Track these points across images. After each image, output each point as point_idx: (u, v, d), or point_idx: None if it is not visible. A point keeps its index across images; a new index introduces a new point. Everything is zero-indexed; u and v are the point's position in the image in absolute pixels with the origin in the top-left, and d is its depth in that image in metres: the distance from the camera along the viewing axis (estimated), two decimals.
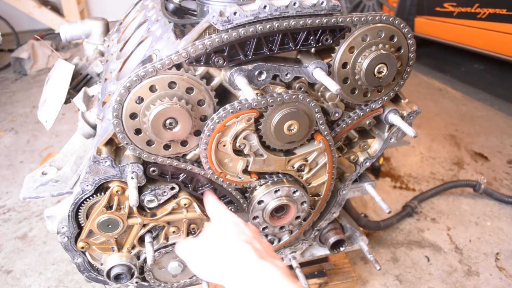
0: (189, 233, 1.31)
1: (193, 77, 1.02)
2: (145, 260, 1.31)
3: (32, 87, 4.16)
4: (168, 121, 1.01)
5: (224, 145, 1.11)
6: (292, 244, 1.53)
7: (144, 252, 1.29)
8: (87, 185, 1.11)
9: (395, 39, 1.13)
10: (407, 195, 2.40)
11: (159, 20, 1.33)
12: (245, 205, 1.28)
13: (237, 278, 0.76)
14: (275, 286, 0.72)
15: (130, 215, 1.20)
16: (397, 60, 1.13)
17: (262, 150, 1.16)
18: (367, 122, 1.29)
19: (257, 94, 1.08)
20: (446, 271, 1.92)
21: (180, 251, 0.87)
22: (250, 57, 1.03)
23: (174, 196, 1.22)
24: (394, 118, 1.24)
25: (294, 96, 1.08)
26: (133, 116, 1.01)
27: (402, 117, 1.25)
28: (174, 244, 1.32)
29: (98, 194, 1.14)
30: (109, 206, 1.16)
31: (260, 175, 1.23)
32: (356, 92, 1.18)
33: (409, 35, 1.14)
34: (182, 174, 1.17)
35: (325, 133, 1.19)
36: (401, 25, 1.11)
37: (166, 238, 1.31)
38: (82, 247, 1.22)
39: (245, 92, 0.98)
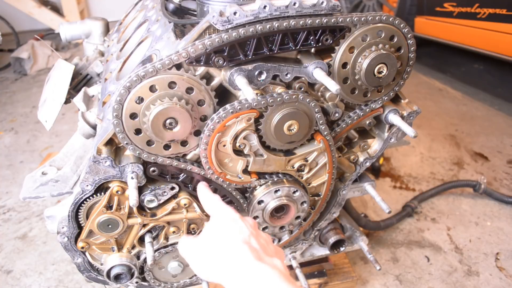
0: (189, 233, 1.31)
1: (193, 77, 1.02)
2: (145, 260, 1.31)
3: (32, 87, 4.16)
4: (168, 121, 1.01)
5: (224, 145, 1.11)
6: (292, 244, 1.53)
7: (144, 252, 1.29)
8: (87, 185, 1.11)
9: (395, 39, 1.13)
10: (407, 195, 2.40)
11: (159, 20, 1.33)
12: (245, 205, 1.28)
13: (235, 280, 0.76)
14: None
15: (130, 215, 1.20)
16: (397, 60, 1.13)
17: (262, 150, 1.16)
18: (367, 122, 1.29)
19: (257, 94, 1.08)
20: (446, 271, 1.92)
21: (181, 249, 0.87)
22: (250, 57, 1.03)
23: (174, 196, 1.22)
24: (394, 118, 1.24)
25: (294, 96, 1.08)
26: (133, 116, 1.01)
27: (402, 117, 1.25)
28: (174, 244, 1.32)
29: (98, 194, 1.14)
30: (109, 206, 1.16)
31: (260, 175, 1.23)
32: (356, 92, 1.18)
33: (409, 35, 1.14)
34: (182, 174, 1.17)
35: (325, 133, 1.19)
36: (401, 25, 1.11)
37: (166, 238, 1.31)
38: (82, 247, 1.22)
39: (245, 92, 0.98)
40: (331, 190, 1.35)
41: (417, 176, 2.58)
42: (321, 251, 1.62)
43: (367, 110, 1.24)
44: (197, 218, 1.28)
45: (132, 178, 1.09)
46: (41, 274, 1.92)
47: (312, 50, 1.14)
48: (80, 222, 1.18)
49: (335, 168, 1.28)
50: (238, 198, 1.26)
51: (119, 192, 1.14)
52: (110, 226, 1.18)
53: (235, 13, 0.97)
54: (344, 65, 1.12)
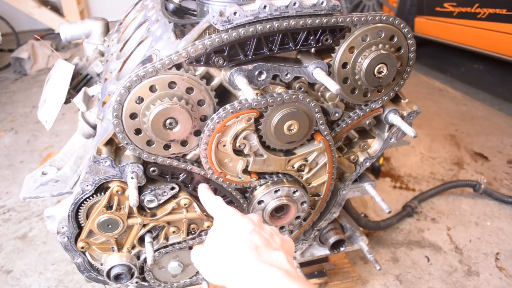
0: (189, 233, 1.31)
1: (193, 77, 1.02)
2: (145, 260, 1.31)
3: (32, 87, 4.16)
4: (168, 121, 1.01)
5: (224, 145, 1.11)
6: None
7: (144, 252, 1.29)
8: (87, 185, 1.11)
9: (395, 39, 1.13)
10: (407, 195, 2.40)
11: (159, 20, 1.33)
12: (245, 205, 1.28)
13: (236, 282, 0.75)
14: None
15: (130, 215, 1.20)
16: (397, 60, 1.13)
17: (262, 150, 1.16)
18: (367, 122, 1.29)
19: (257, 94, 1.08)
20: (446, 271, 1.92)
21: (192, 259, 0.86)
22: (250, 57, 1.03)
23: (174, 196, 1.22)
24: (394, 118, 1.24)
25: (294, 96, 1.08)
26: (133, 116, 1.01)
27: (402, 117, 1.25)
28: (174, 244, 1.32)
29: (98, 194, 1.14)
30: (109, 206, 1.16)
31: (260, 175, 1.23)
32: (356, 92, 1.18)
33: (409, 35, 1.14)
34: (182, 174, 1.17)
35: (325, 133, 1.19)
36: (401, 25, 1.11)
37: (166, 238, 1.31)
38: (82, 247, 1.22)
39: (245, 92, 0.98)
40: (331, 190, 1.35)
41: (417, 176, 2.58)
42: (321, 251, 1.62)
43: (367, 110, 1.24)
44: (197, 218, 1.28)
45: (132, 178, 1.09)
46: (41, 274, 1.92)
47: (312, 50, 1.14)
48: (80, 222, 1.18)
49: (335, 168, 1.28)
50: (238, 198, 1.26)
51: (119, 192, 1.14)
52: (110, 226, 1.18)
53: (235, 13, 0.97)
54: (344, 65, 1.12)
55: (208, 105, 1.06)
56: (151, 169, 1.12)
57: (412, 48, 1.16)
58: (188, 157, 1.16)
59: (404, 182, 2.53)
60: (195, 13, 1.33)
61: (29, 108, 3.68)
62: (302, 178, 1.27)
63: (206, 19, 1.01)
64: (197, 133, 1.10)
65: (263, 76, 1.07)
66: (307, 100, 1.10)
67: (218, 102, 1.08)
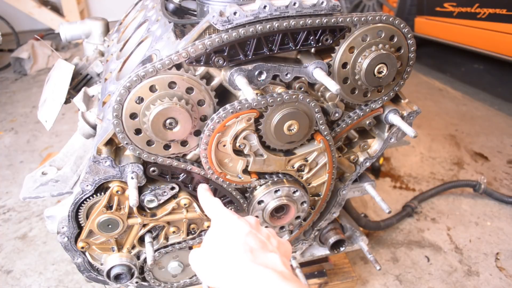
0: (189, 233, 1.31)
1: (193, 77, 1.02)
2: (145, 260, 1.31)
3: (32, 87, 4.16)
4: (168, 121, 1.01)
5: (224, 145, 1.11)
6: (292, 244, 1.53)
7: (144, 252, 1.29)
8: (87, 185, 1.11)
9: (395, 39, 1.13)
10: (407, 195, 2.40)
11: (159, 20, 1.33)
12: (245, 205, 1.28)
13: (234, 284, 0.75)
14: None
15: (130, 215, 1.20)
16: (397, 60, 1.13)
17: (262, 150, 1.16)
18: (367, 122, 1.29)
19: (257, 94, 1.08)
20: (446, 271, 1.92)
21: (191, 262, 0.86)
22: (250, 57, 1.03)
23: (174, 196, 1.22)
24: (394, 118, 1.24)
25: (294, 96, 1.08)
26: (133, 116, 1.01)
27: (402, 117, 1.25)
28: (174, 244, 1.32)
29: (98, 194, 1.14)
30: (109, 206, 1.16)
31: (260, 175, 1.23)
32: (356, 92, 1.18)
33: (409, 35, 1.14)
34: (182, 174, 1.17)
35: (325, 133, 1.19)
36: (401, 25, 1.11)
37: (166, 238, 1.31)
38: (82, 247, 1.22)
39: (245, 92, 0.98)
40: (331, 190, 1.35)
41: (417, 176, 2.58)
42: (321, 251, 1.62)
43: (367, 110, 1.24)
44: (197, 218, 1.28)
45: (132, 178, 1.09)
46: (41, 274, 1.92)
47: (312, 50, 1.14)
48: (80, 222, 1.18)
49: (335, 168, 1.28)
50: (238, 198, 1.26)
51: (119, 192, 1.14)
52: (110, 226, 1.18)
53: (235, 13, 0.97)
54: (344, 65, 1.12)
55: (208, 105, 1.06)
56: (151, 169, 1.12)
57: (412, 48, 1.16)
58: (188, 157, 1.16)
59: (404, 182, 2.53)
60: (195, 13, 1.33)
61: (29, 108, 3.68)
62: (302, 178, 1.27)
63: (206, 19, 1.01)
64: (197, 133, 1.10)
65: (263, 76, 1.07)
66: (307, 100, 1.10)
67: (218, 102, 1.08)
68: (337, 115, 1.21)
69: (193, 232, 1.32)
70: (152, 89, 0.99)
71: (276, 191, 1.24)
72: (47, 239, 2.11)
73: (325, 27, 1.05)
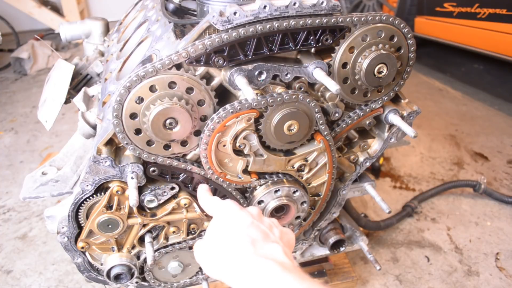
0: (189, 233, 1.31)
1: (193, 77, 1.02)
2: (145, 260, 1.31)
3: (32, 87, 4.16)
4: (168, 121, 1.01)
5: (224, 145, 1.11)
6: None
7: (144, 252, 1.29)
8: (87, 185, 1.11)
9: (395, 39, 1.13)
10: (407, 195, 2.40)
11: (159, 20, 1.33)
12: (245, 205, 1.28)
13: (234, 276, 0.75)
14: (271, 284, 0.70)
15: (130, 215, 1.20)
16: (397, 60, 1.13)
17: (262, 150, 1.16)
18: (367, 122, 1.29)
19: (257, 94, 1.08)
20: (446, 271, 1.92)
21: (195, 255, 0.86)
22: (250, 57, 1.03)
23: (174, 196, 1.22)
24: (394, 118, 1.24)
25: (294, 96, 1.08)
26: (133, 116, 1.01)
27: (402, 117, 1.25)
28: (174, 244, 1.32)
29: (98, 194, 1.14)
30: (109, 206, 1.16)
31: (260, 175, 1.23)
32: (356, 92, 1.18)
33: (409, 35, 1.14)
34: (182, 174, 1.17)
35: (325, 133, 1.19)
36: (401, 25, 1.11)
37: (166, 238, 1.31)
38: (82, 247, 1.22)
39: (245, 92, 0.98)
40: (331, 190, 1.35)
41: (417, 176, 2.58)
42: (321, 251, 1.62)
43: (367, 110, 1.24)
44: (197, 218, 1.28)
45: (132, 178, 1.09)
46: (41, 274, 1.92)
47: (312, 50, 1.14)
48: (80, 222, 1.18)
49: (335, 168, 1.28)
50: (238, 198, 1.26)
51: (119, 192, 1.14)
52: (110, 226, 1.18)
53: (235, 13, 0.97)
54: (344, 65, 1.12)
55: (208, 105, 1.06)
56: (151, 169, 1.12)
57: (412, 48, 1.16)
58: (188, 157, 1.16)
59: (404, 182, 2.53)
60: (195, 13, 1.33)
61: (29, 108, 3.68)
62: (302, 178, 1.27)
63: (206, 19, 1.01)
64: (197, 133, 1.10)
65: (263, 76, 1.07)
66: (307, 100, 1.10)
67: (218, 102, 1.08)
68: (337, 115, 1.21)
69: (193, 232, 1.32)
70: (152, 89, 0.99)
71: (276, 191, 1.24)
72: (47, 239, 2.11)
73: (325, 27, 1.05)
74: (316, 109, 1.13)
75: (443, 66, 4.38)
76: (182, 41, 1.04)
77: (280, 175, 1.25)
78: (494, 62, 4.13)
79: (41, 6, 5.19)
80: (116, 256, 1.27)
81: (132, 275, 1.29)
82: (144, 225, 1.24)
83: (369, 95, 1.20)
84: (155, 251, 1.30)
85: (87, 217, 1.17)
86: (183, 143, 1.10)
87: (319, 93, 1.20)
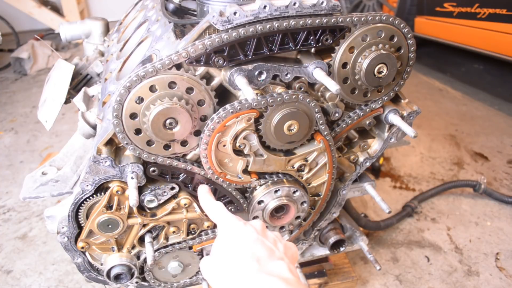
0: (189, 233, 1.31)
1: (193, 77, 1.02)
2: (145, 260, 1.31)
3: (32, 87, 4.16)
4: (168, 121, 1.01)
5: (224, 145, 1.11)
6: None
7: (144, 252, 1.29)
8: (87, 185, 1.11)
9: (395, 39, 1.13)
10: (407, 195, 2.40)
11: (159, 20, 1.33)
12: (245, 205, 1.28)
13: None
14: None
15: (130, 215, 1.20)
16: (397, 60, 1.13)
17: (262, 150, 1.16)
18: (367, 122, 1.29)
19: (257, 94, 1.08)
20: (446, 271, 1.92)
21: (202, 271, 0.86)
22: (250, 57, 1.03)
23: (174, 196, 1.22)
24: (394, 118, 1.24)
25: (294, 96, 1.08)
26: (133, 116, 1.01)
27: (402, 117, 1.25)
28: (174, 244, 1.32)
29: (98, 194, 1.14)
30: (109, 206, 1.16)
31: (260, 175, 1.23)
32: (356, 92, 1.18)
33: (409, 35, 1.14)
34: (182, 174, 1.17)
35: (325, 133, 1.19)
36: (401, 25, 1.11)
37: (166, 238, 1.31)
38: (82, 247, 1.22)
39: (245, 92, 0.98)
40: (331, 190, 1.35)
41: (417, 176, 2.58)
42: (321, 251, 1.62)
43: (367, 110, 1.24)
44: (197, 218, 1.28)
45: (132, 178, 1.09)
46: (41, 274, 1.92)
47: (312, 50, 1.14)
48: (80, 222, 1.18)
49: (335, 168, 1.28)
50: (238, 198, 1.26)
51: (119, 192, 1.14)
52: (110, 226, 1.18)
53: (235, 13, 0.97)
54: (344, 65, 1.12)
55: (208, 105, 1.06)
56: (151, 169, 1.12)
57: (412, 48, 1.16)
58: (188, 157, 1.16)
59: (404, 182, 2.53)
60: (195, 13, 1.33)
61: (29, 108, 3.68)
62: (302, 178, 1.27)
63: (206, 19, 1.01)
64: (197, 133, 1.10)
65: (263, 76, 1.07)
66: (307, 100, 1.10)
67: (218, 102, 1.08)
68: (337, 115, 1.21)
69: (193, 232, 1.32)
70: (152, 89, 0.99)
71: (276, 191, 1.24)
72: (47, 239, 2.11)
73: (325, 27, 1.05)
74: (316, 109, 1.13)
75: (443, 66, 4.39)
76: (182, 41, 1.04)
77: (280, 175, 1.25)
78: (494, 62, 4.13)
79: (41, 6, 5.19)
80: (116, 256, 1.27)
81: (132, 275, 1.29)
82: (144, 225, 1.24)
83: (369, 95, 1.20)
84: (155, 251, 1.30)
85: (87, 217, 1.17)
86: (183, 143, 1.10)
87: (319, 93, 1.20)
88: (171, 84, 1.00)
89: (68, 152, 1.45)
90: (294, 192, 1.26)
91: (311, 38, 1.06)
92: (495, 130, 3.09)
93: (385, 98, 1.23)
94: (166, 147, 1.09)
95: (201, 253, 1.40)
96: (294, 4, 1.00)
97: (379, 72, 1.12)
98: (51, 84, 1.57)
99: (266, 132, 1.13)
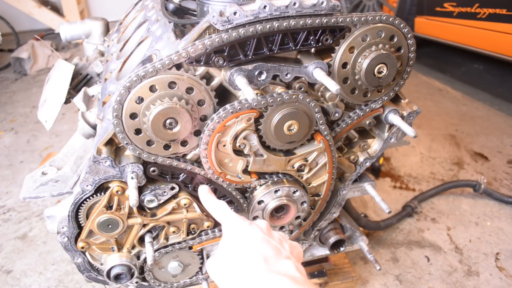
0: (189, 233, 1.31)
1: (193, 77, 1.02)
2: (145, 260, 1.31)
3: (32, 87, 4.16)
4: (168, 121, 1.01)
5: (224, 145, 1.11)
6: None
7: (144, 252, 1.29)
8: (87, 185, 1.11)
9: (395, 39, 1.13)
10: (407, 195, 2.40)
11: (159, 20, 1.33)
12: (245, 205, 1.28)
13: None
14: None
15: (130, 215, 1.20)
16: (397, 60, 1.13)
17: (262, 150, 1.16)
18: (367, 122, 1.29)
19: (257, 94, 1.08)
20: (446, 271, 1.92)
21: (209, 272, 0.86)
22: (250, 57, 1.03)
23: (174, 196, 1.22)
24: (394, 118, 1.24)
25: (294, 96, 1.08)
26: (133, 116, 1.01)
27: (402, 117, 1.25)
28: (174, 244, 1.32)
29: (98, 194, 1.14)
30: (109, 206, 1.16)
31: (260, 175, 1.23)
32: (356, 92, 1.18)
33: (409, 35, 1.14)
34: (182, 174, 1.17)
35: (325, 133, 1.19)
36: (401, 25, 1.11)
37: (166, 238, 1.31)
38: (82, 247, 1.22)
39: (245, 92, 0.98)
40: (331, 190, 1.35)
41: (417, 176, 2.58)
42: (321, 251, 1.62)
43: (367, 110, 1.24)
44: (197, 218, 1.28)
45: (132, 178, 1.09)
46: (41, 274, 1.92)
47: (312, 50, 1.14)
48: (80, 222, 1.18)
49: (335, 168, 1.28)
50: (238, 198, 1.26)
51: (119, 192, 1.14)
52: (110, 226, 1.18)
53: (235, 13, 0.97)
54: (344, 65, 1.12)
55: (208, 105, 1.06)
56: (151, 169, 1.12)
57: (412, 48, 1.16)
58: (188, 157, 1.16)
59: (404, 182, 2.53)
60: (195, 13, 1.33)
61: (29, 108, 3.68)
62: (302, 178, 1.27)
63: (206, 19, 1.01)
64: (197, 133, 1.10)
65: (263, 76, 1.07)
66: (307, 100, 1.10)
67: (218, 102, 1.08)
68: (337, 115, 1.21)
69: (193, 232, 1.32)
70: (152, 89, 0.99)
71: (276, 191, 1.24)
72: (47, 239, 2.11)
73: (325, 27, 1.05)
74: (316, 109, 1.13)
75: (443, 66, 4.39)
76: (182, 41, 1.04)
77: (280, 175, 1.25)
78: (494, 62, 4.13)
79: (41, 6, 5.19)
80: (116, 256, 1.27)
81: (132, 275, 1.29)
82: (144, 225, 1.24)
83: (369, 95, 1.20)
84: (155, 251, 1.30)
85: (87, 217, 1.17)
86: (183, 143, 1.10)
87: (319, 93, 1.20)
88: (171, 84, 1.00)
89: (68, 152, 1.45)
90: (294, 192, 1.26)
91: (311, 38, 1.06)
92: (495, 130, 3.09)
93: (385, 98, 1.23)
94: (166, 147, 1.09)
95: (201, 253, 1.40)
96: (294, 4, 1.00)
97: (379, 72, 1.12)
98: (51, 84, 1.57)
99: (266, 132, 1.13)
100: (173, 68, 0.99)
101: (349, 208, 1.75)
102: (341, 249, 1.58)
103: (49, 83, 1.60)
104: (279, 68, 1.07)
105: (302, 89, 1.15)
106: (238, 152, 1.16)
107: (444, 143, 2.93)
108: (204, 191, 1.07)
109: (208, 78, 1.06)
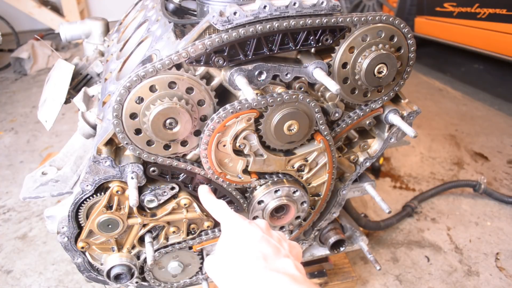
0: (189, 233, 1.31)
1: (193, 77, 1.02)
2: (145, 260, 1.31)
3: (32, 87, 4.16)
4: (168, 121, 1.01)
5: (224, 145, 1.11)
6: None
7: (144, 252, 1.29)
8: (87, 185, 1.11)
9: (395, 39, 1.13)
10: (407, 195, 2.40)
11: (159, 20, 1.33)
12: (245, 205, 1.28)
13: None
14: None
15: (130, 215, 1.20)
16: (397, 60, 1.13)
17: (262, 150, 1.16)
18: (367, 122, 1.29)
19: (257, 94, 1.08)
20: (446, 271, 1.92)
21: (207, 271, 0.86)
22: (250, 57, 1.03)
23: (174, 196, 1.22)
24: (394, 118, 1.24)
25: (294, 96, 1.08)
26: (133, 116, 1.01)
27: (402, 117, 1.25)
28: (174, 244, 1.32)
29: (98, 194, 1.14)
30: (109, 206, 1.16)
31: (260, 175, 1.23)
32: (356, 92, 1.18)
33: (409, 35, 1.14)
34: (182, 174, 1.17)
35: (325, 133, 1.19)
36: (401, 25, 1.11)
37: (166, 238, 1.31)
38: (82, 247, 1.22)
39: (245, 92, 0.98)
40: (331, 190, 1.35)
41: (417, 176, 2.58)
42: (321, 251, 1.62)
43: (367, 110, 1.24)
44: (197, 218, 1.28)
45: (132, 178, 1.09)
46: (41, 274, 1.92)
47: (312, 50, 1.14)
48: (80, 222, 1.18)
49: (335, 168, 1.28)
50: (238, 198, 1.26)
51: (119, 192, 1.14)
52: (110, 226, 1.18)
53: (235, 13, 0.97)
54: (344, 65, 1.12)
55: (208, 105, 1.06)
56: (151, 169, 1.12)
57: (412, 48, 1.16)
58: (188, 157, 1.16)
59: (404, 182, 2.53)
60: (195, 13, 1.33)
61: (29, 108, 3.68)
62: (302, 178, 1.27)
63: (206, 19, 1.01)
64: (197, 133, 1.10)
65: (263, 76, 1.07)
66: (307, 100, 1.10)
67: (218, 102, 1.08)
68: (337, 115, 1.21)
69: (193, 232, 1.32)
70: (152, 89, 0.99)
71: (276, 191, 1.24)
72: (47, 239, 2.11)
73: (325, 27, 1.05)
74: (316, 109, 1.13)
75: (443, 66, 4.39)
76: (182, 41, 1.04)
77: (280, 175, 1.25)
78: (494, 62, 4.13)
79: (41, 6, 5.20)
80: (116, 256, 1.27)
81: (132, 275, 1.29)
82: (144, 225, 1.24)
83: (369, 95, 1.20)
84: (155, 251, 1.30)
85: (87, 217, 1.17)
86: (183, 143, 1.10)
87: (319, 93, 1.20)
88: (171, 84, 1.00)
89: (68, 152, 1.45)
90: (294, 192, 1.26)
91: (311, 38, 1.06)
92: (495, 130, 3.09)
93: (385, 98, 1.23)
94: (166, 147, 1.09)
95: (201, 253, 1.40)
96: (294, 4, 1.00)
97: (379, 72, 1.12)
98: (51, 84, 1.57)
99: (266, 132, 1.13)
100: (173, 68, 0.99)
101: (349, 208, 1.75)
102: (341, 249, 1.58)
103: (49, 83, 1.60)
104: (279, 68, 1.07)
105: (302, 89, 1.15)
106: (238, 152, 1.16)
107: (444, 143, 2.93)
108: (204, 191, 1.07)
109: (208, 78, 1.06)
